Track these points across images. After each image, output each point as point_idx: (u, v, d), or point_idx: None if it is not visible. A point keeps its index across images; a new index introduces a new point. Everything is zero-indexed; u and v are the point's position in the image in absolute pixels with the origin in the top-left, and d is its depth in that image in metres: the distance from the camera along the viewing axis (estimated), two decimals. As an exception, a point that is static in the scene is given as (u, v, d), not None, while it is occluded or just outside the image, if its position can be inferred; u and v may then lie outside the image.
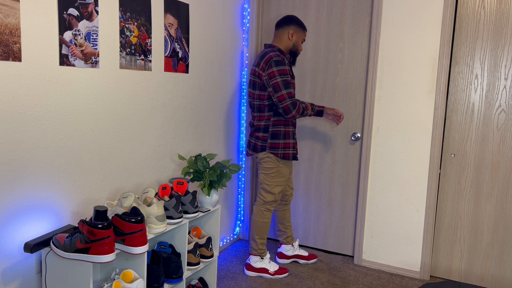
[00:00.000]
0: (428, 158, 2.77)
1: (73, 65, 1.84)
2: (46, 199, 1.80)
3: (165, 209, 2.03)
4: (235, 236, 3.40)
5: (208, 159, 2.37)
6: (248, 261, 2.83)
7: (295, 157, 2.71)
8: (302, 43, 2.73)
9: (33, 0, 1.65)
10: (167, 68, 2.42)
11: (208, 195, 2.31)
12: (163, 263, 2.02)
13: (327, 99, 3.07)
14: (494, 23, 2.59)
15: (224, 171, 2.37)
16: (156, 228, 1.90)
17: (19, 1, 1.60)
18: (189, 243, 2.22)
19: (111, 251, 1.59)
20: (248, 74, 2.79)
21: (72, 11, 1.81)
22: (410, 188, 2.85)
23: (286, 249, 3.01)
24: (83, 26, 1.86)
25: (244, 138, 3.31)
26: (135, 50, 2.17)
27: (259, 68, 2.58)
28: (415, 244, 2.87)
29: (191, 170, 2.61)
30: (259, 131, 2.67)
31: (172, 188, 2.17)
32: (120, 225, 1.69)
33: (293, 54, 2.71)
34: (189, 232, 2.40)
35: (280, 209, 2.97)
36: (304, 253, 3.03)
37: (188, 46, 2.57)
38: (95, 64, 1.95)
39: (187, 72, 2.59)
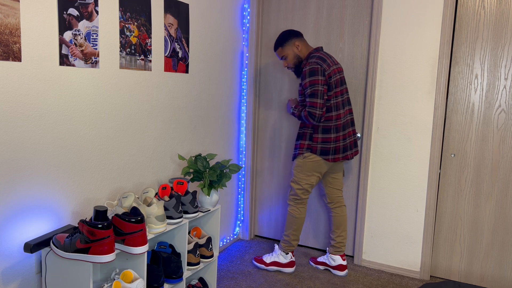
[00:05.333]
0: (428, 158, 2.77)
1: (73, 65, 1.84)
2: (46, 199, 1.80)
3: (165, 209, 2.03)
4: (235, 236, 3.40)
5: (208, 159, 2.37)
6: (340, 262, 2.86)
7: None
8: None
9: (33, 0, 1.65)
10: (167, 68, 2.42)
11: (208, 195, 2.31)
12: (163, 263, 2.02)
13: (327, 99, 3.07)
14: (494, 23, 2.59)
15: (224, 171, 2.37)
16: (156, 228, 1.90)
17: (19, 1, 1.60)
18: (189, 243, 2.22)
19: (111, 251, 1.59)
20: (332, 74, 2.58)
21: (72, 11, 1.81)
22: (410, 188, 2.85)
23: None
24: (83, 26, 1.86)
25: (244, 138, 3.31)
26: (135, 50, 2.17)
27: (340, 65, 2.69)
28: (415, 244, 2.87)
29: (191, 170, 2.61)
30: (354, 124, 2.80)
31: (172, 188, 2.17)
32: (120, 225, 1.69)
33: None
34: (189, 232, 2.40)
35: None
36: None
37: (188, 46, 2.57)
38: (95, 64, 1.95)
39: (187, 72, 2.59)
